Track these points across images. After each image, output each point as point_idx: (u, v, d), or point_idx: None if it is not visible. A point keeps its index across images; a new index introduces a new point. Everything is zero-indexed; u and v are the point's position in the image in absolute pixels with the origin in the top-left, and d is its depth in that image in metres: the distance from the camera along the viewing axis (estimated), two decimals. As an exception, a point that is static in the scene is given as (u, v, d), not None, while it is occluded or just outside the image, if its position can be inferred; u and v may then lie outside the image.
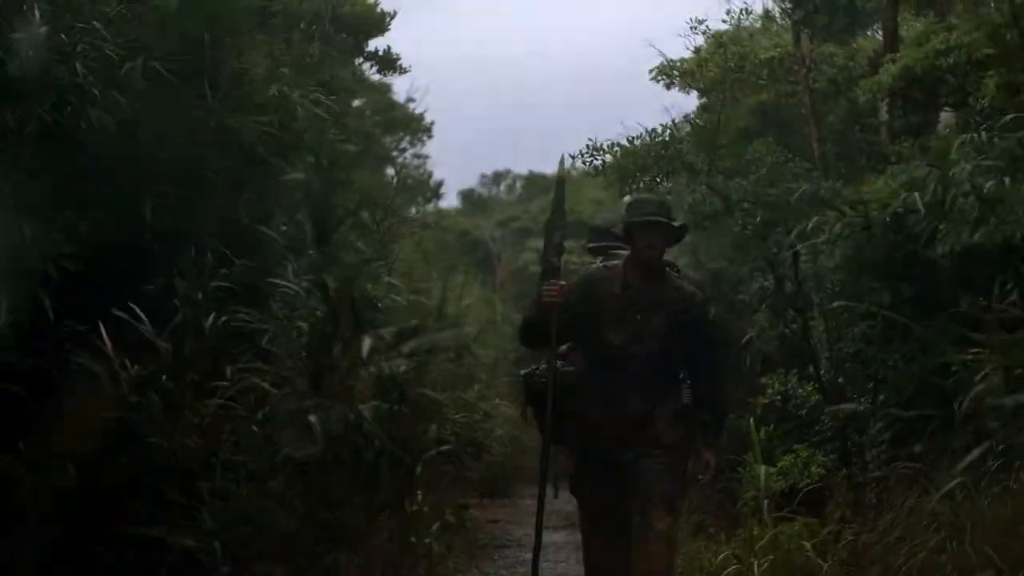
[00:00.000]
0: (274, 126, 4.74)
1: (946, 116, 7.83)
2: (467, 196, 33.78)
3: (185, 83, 4.48)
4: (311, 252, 4.31)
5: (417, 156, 20.59)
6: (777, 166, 7.97)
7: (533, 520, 4.44)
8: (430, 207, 22.14)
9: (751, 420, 6.83)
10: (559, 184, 4.62)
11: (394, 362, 4.03)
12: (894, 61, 7.79)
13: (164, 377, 3.97)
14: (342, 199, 5.32)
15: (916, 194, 5.51)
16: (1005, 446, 4.46)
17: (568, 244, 4.68)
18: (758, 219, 7.64)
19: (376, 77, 15.48)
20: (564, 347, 4.37)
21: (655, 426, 4.12)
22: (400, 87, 31.32)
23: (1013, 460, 4.40)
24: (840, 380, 6.85)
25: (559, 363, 4.31)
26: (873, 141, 9.92)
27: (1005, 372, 4.52)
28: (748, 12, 11.22)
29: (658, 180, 10.32)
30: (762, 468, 6.29)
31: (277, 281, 4.34)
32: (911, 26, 8.95)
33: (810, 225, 6.38)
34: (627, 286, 4.23)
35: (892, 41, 8.68)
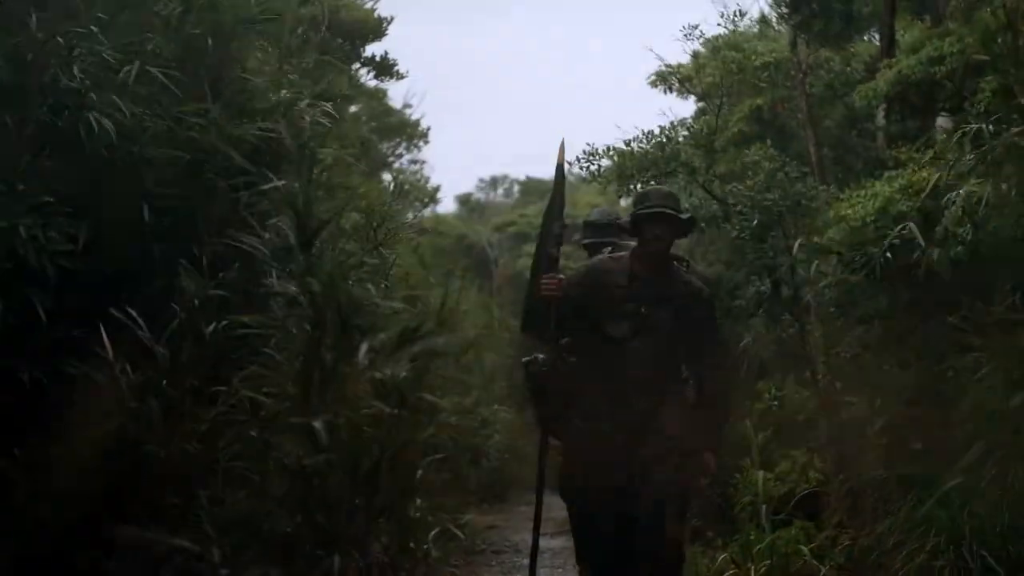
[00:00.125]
0: (277, 133, 4.72)
1: (943, 120, 7.83)
2: (464, 201, 33.79)
3: (185, 89, 4.47)
4: (300, 257, 4.28)
5: (414, 161, 20.56)
6: (774, 170, 7.96)
7: (530, 526, 4.43)
8: (427, 212, 22.12)
9: (749, 425, 6.84)
10: (559, 170, 4.44)
11: (395, 367, 4.01)
12: (890, 67, 7.80)
13: (163, 383, 3.96)
14: (329, 204, 5.29)
15: (912, 225, 5.49)
16: (1003, 450, 4.47)
17: (564, 249, 4.56)
18: (755, 223, 7.65)
19: (373, 82, 15.46)
20: (564, 340, 4.29)
21: (660, 425, 4.04)
22: (397, 92, 31.41)
23: (1010, 464, 4.40)
24: (837, 384, 6.85)
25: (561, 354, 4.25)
26: (870, 146, 9.93)
27: (1003, 375, 4.52)
28: (743, 14, 11.18)
29: (655, 181, 10.28)
30: (760, 473, 6.30)
31: (271, 282, 4.33)
32: (909, 30, 8.95)
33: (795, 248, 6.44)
34: (633, 278, 4.14)
35: (889, 46, 8.68)
